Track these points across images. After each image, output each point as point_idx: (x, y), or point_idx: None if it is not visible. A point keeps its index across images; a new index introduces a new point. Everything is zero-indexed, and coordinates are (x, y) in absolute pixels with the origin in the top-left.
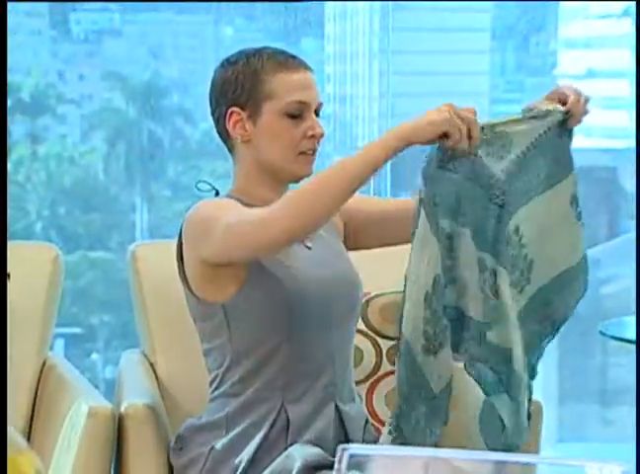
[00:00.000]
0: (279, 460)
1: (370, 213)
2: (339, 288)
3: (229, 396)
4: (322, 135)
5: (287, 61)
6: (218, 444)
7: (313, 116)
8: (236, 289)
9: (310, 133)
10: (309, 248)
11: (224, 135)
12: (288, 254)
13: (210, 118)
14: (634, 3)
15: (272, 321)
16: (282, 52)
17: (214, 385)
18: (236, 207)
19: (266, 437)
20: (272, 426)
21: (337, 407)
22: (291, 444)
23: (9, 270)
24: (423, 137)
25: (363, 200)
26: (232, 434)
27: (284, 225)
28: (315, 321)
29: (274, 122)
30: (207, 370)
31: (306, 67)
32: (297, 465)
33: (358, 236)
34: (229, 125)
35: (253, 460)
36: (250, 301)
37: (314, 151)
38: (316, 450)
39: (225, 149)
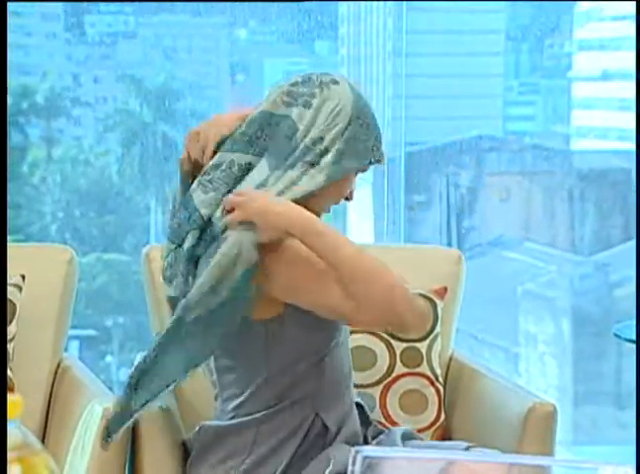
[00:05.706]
0: (314, 463)
1: None
2: None
3: (259, 412)
4: None
5: None
6: (248, 460)
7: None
8: (284, 307)
9: (351, 197)
10: None
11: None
12: None
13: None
14: (634, 3)
15: (320, 337)
16: None
17: (236, 402)
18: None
19: (300, 446)
20: (306, 434)
21: (356, 402)
22: (329, 445)
23: (24, 271)
24: None
25: None
26: (261, 449)
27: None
28: (343, 330)
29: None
30: (221, 386)
31: None
32: (328, 471)
33: None
34: None
35: (289, 467)
36: (300, 318)
37: None
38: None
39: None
